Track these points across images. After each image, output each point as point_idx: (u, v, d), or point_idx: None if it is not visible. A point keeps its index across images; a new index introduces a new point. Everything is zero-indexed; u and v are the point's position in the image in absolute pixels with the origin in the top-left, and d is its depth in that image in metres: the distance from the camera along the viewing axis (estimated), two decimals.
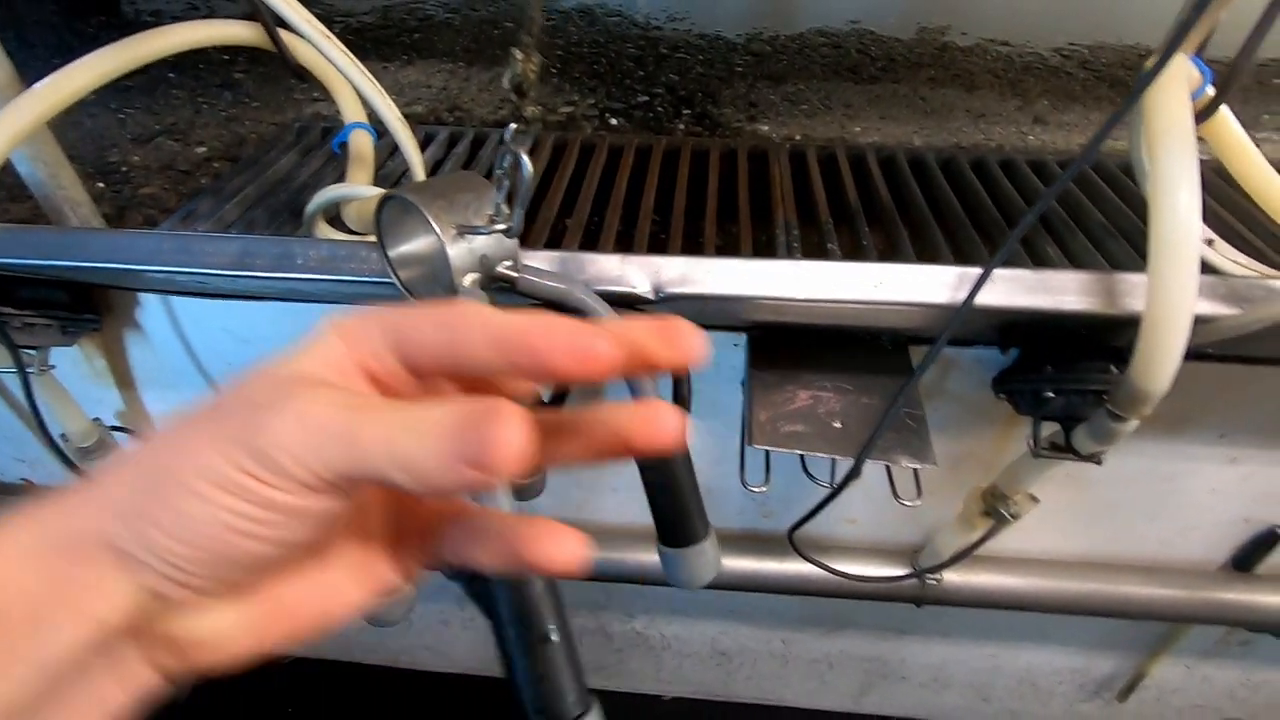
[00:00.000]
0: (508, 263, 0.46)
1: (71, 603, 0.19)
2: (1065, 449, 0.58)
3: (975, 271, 0.48)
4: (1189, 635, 0.91)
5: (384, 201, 0.44)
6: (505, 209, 0.41)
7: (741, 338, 0.66)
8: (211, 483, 0.19)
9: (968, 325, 0.56)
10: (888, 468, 0.65)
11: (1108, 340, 0.55)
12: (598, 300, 0.47)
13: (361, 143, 0.72)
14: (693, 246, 0.76)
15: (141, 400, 0.81)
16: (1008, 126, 1.03)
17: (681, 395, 0.55)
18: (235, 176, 0.86)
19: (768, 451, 0.59)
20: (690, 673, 1.15)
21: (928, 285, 0.50)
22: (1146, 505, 0.76)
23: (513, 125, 0.38)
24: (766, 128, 1.02)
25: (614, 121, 1.04)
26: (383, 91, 0.66)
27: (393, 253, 0.47)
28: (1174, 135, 0.43)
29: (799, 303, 0.50)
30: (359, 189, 0.52)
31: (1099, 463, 0.57)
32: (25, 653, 0.19)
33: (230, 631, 0.22)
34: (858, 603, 0.87)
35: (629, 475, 0.82)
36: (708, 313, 0.57)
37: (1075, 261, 0.71)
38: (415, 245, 0.47)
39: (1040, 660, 1.00)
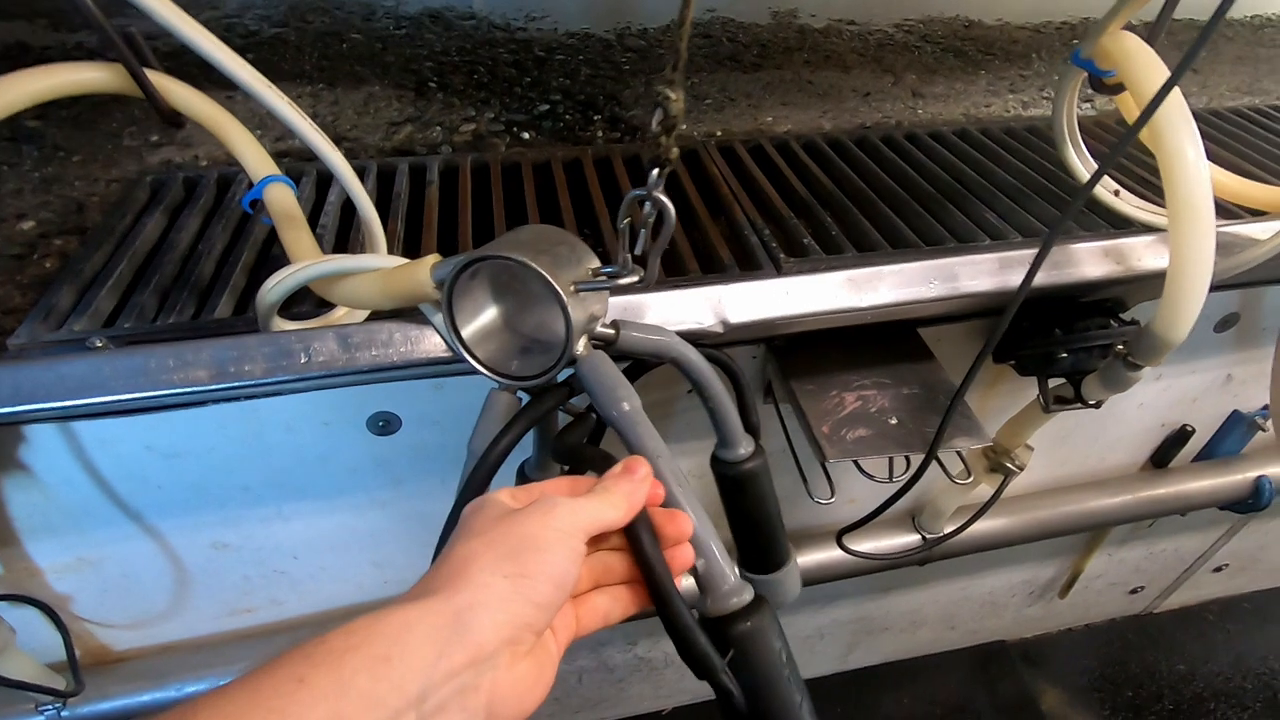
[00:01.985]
0: (604, 319, 0.41)
1: (463, 636, 0.28)
2: (1072, 400, 0.63)
3: (1016, 254, 0.50)
4: (1114, 531, 1.05)
5: (467, 266, 0.37)
6: (630, 260, 0.37)
7: (758, 349, 0.65)
8: (553, 540, 0.31)
9: (977, 304, 0.59)
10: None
11: (1097, 296, 0.60)
12: (694, 351, 0.43)
13: (283, 199, 0.61)
14: (669, 260, 0.73)
15: (29, 556, 0.64)
16: (894, 103, 1.10)
17: (751, 424, 0.53)
18: (92, 254, 0.69)
19: (827, 463, 0.59)
20: (691, 682, 1.14)
21: (974, 275, 0.51)
22: (1090, 429, 0.86)
23: (655, 170, 0.33)
24: (684, 126, 1.01)
25: (525, 135, 0.98)
26: (319, 129, 0.56)
27: (466, 330, 0.40)
28: (1174, 108, 0.48)
29: (864, 311, 0.50)
30: (363, 260, 0.43)
31: (1099, 407, 0.64)
32: (408, 698, 0.26)
33: (526, 678, 0.30)
34: (859, 576, 0.90)
35: None
36: (751, 331, 0.55)
37: (1009, 222, 0.77)
38: (492, 315, 0.40)
39: (999, 582, 1.11)
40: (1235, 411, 0.89)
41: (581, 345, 0.38)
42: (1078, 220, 0.71)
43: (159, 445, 0.58)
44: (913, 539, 0.82)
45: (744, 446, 0.48)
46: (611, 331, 0.40)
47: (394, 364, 0.44)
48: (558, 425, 0.47)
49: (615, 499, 0.33)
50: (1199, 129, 0.47)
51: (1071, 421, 0.84)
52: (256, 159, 0.63)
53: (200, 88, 0.58)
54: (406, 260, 0.43)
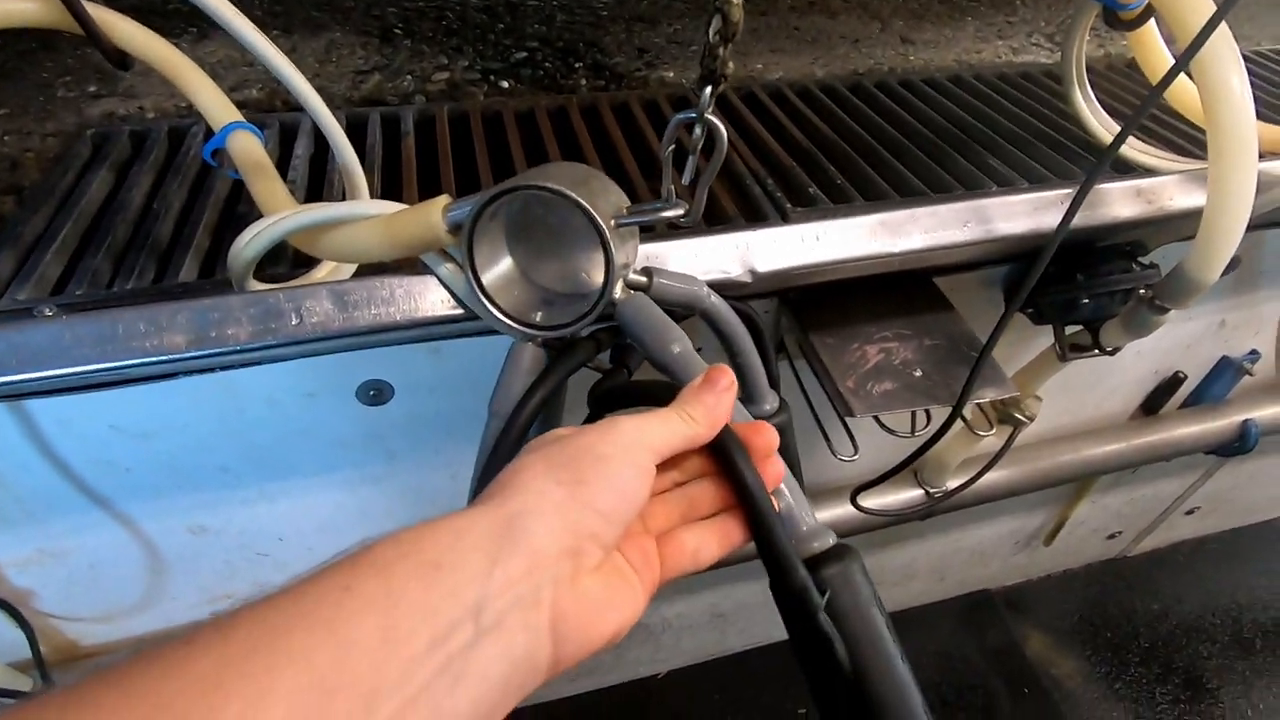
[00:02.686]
0: (635, 265, 0.37)
1: (517, 541, 0.25)
2: (1089, 347, 0.62)
3: (1052, 194, 0.48)
4: (1101, 477, 1.06)
5: (492, 200, 0.33)
6: (673, 192, 0.33)
7: (771, 303, 0.62)
8: (613, 449, 0.28)
9: (1006, 249, 0.57)
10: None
11: (1122, 240, 0.59)
12: (724, 302, 0.40)
13: (250, 147, 0.55)
14: (719, 228, 0.69)
15: None
16: (885, 50, 1.06)
17: (773, 377, 0.49)
18: (31, 215, 0.62)
19: (847, 419, 0.56)
20: (687, 644, 1.14)
21: (1007, 214, 0.49)
22: (1090, 377, 0.85)
23: (708, 88, 0.29)
24: (671, 74, 0.96)
25: (505, 84, 0.91)
26: (295, 69, 0.50)
27: (488, 276, 0.36)
28: (1220, 38, 0.45)
29: (899, 255, 0.47)
30: (352, 207, 0.38)
31: (1114, 354, 0.63)
32: (466, 607, 0.24)
33: (595, 599, 0.27)
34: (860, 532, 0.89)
35: None
36: (774, 283, 0.52)
37: (1014, 169, 0.75)
38: (512, 260, 0.36)
39: (990, 533, 1.13)
40: (1224, 357, 0.90)
41: (619, 289, 0.34)
42: (1080, 167, 0.69)
43: (126, 424, 0.53)
44: (915, 494, 0.81)
45: (770, 401, 0.45)
46: (644, 279, 0.36)
47: (397, 324, 0.40)
48: (564, 399, 0.43)
49: (695, 411, 0.30)
50: None
51: (1070, 371, 0.84)
52: (217, 104, 0.57)
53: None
54: (405, 206, 0.38)
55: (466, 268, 0.34)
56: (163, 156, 0.73)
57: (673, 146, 0.32)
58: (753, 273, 0.45)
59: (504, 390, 0.36)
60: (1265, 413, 0.91)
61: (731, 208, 0.70)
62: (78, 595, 0.65)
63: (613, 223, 0.32)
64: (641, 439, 0.29)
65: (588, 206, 0.31)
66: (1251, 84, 0.45)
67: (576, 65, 0.97)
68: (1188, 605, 1.30)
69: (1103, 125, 0.75)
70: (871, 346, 0.56)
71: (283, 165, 0.71)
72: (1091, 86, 0.75)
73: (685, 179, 0.33)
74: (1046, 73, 0.97)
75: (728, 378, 0.32)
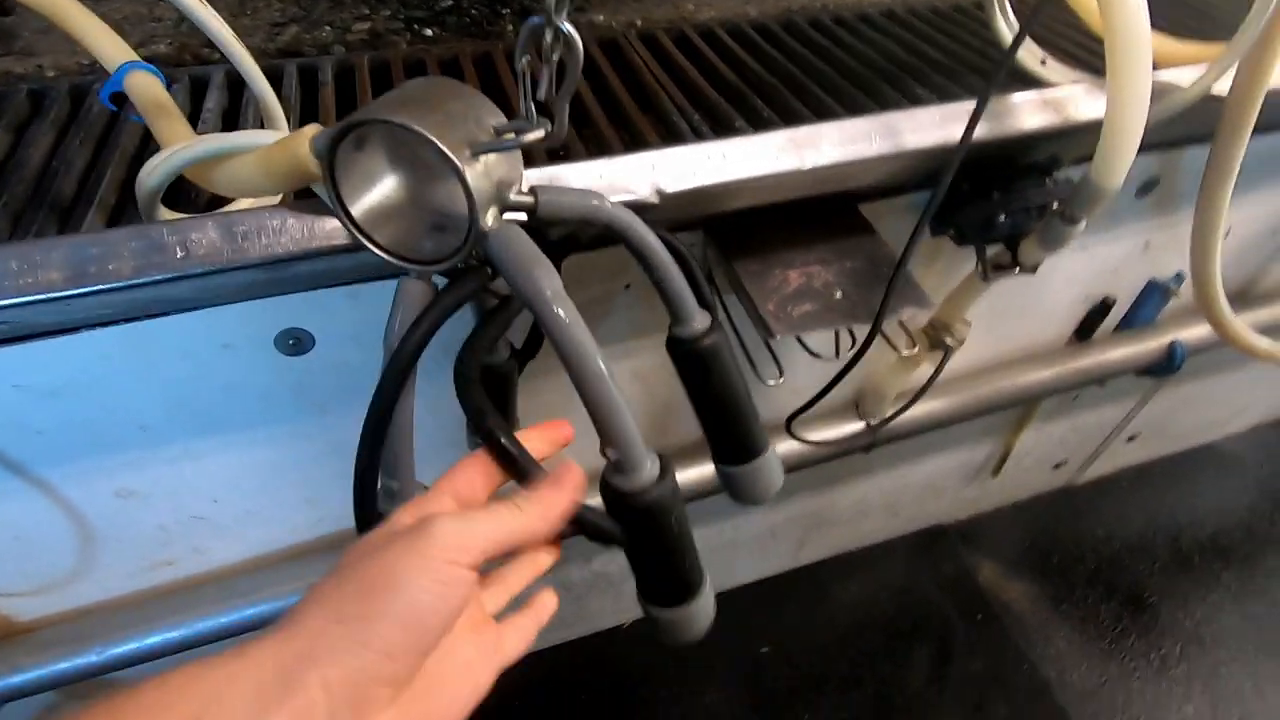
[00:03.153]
0: (516, 186, 0.36)
1: (287, 693, 0.24)
2: (1009, 265, 0.63)
3: (957, 107, 0.48)
4: (1041, 406, 1.09)
5: (343, 133, 0.32)
6: (534, 111, 0.32)
7: (696, 235, 0.62)
8: (412, 573, 0.27)
9: (922, 171, 0.58)
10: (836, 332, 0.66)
11: (1034, 156, 0.59)
12: (629, 213, 0.39)
13: (149, 86, 0.53)
14: (597, 152, 0.68)
15: None
16: None
17: (704, 300, 0.49)
18: None
19: (770, 342, 0.57)
20: None
21: (915, 129, 0.49)
22: (1022, 305, 0.87)
23: None
24: (601, 17, 0.94)
25: (429, 32, 0.89)
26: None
27: (358, 209, 0.35)
28: None
29: (808, 172, 0.47)
30: (253, 135, 0.37)
31: (1035, 271, 0.64)
32: None
33: None
34: (803, 469, 0.91)
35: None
36: (689, 207, 0.52)
37: (943, 97, 0.76)
38: (390, 188, 0.35)
39: (937, 466, 1.15)
40: (1151, 280, 0.93)
41: (490, 217, 0.33)
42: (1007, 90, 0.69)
43: (31, 383, 0.51)
44: (858, 426, 0.82)
45: (700, 320, 0.45)
46: (529, 199, 0.36)
47: (291, 254, 0.39)
48: (514, 310, 0.41)
49: (530, 507, 0.30)
50: None
51: (1003, 300, 0.85)
52: (111, 46, 0.54)
53: None
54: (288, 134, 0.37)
55: (331, 199, 0.33)
56: (64, 114, 0.70)
57: (527, 57, 0.31)
58: (660, 193, 0.45)
59: (393, 325, 0.35)
60: (1190, 333, 0.94)
61: (659, 141, 0.69)
62: (6, 569, 0.63)
63: (467, 151, 0.31)
64: (459, 543, 0.28)
65: (432, 138, 0.30)
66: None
67: (504, 10, 0.95)
68: (1130, 529, 1.36)
69: (1028, 51, 0.75)
70: (794, 271, 0.56)
71: (194, 120, 0.69)
72: (1017, 17, 0.76)
73: (542, 93, 0.32)
74: (977, 4, 0.97)
75: (576, 479, 0.32)
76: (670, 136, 0.71)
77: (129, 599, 0.70)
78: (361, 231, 0.35)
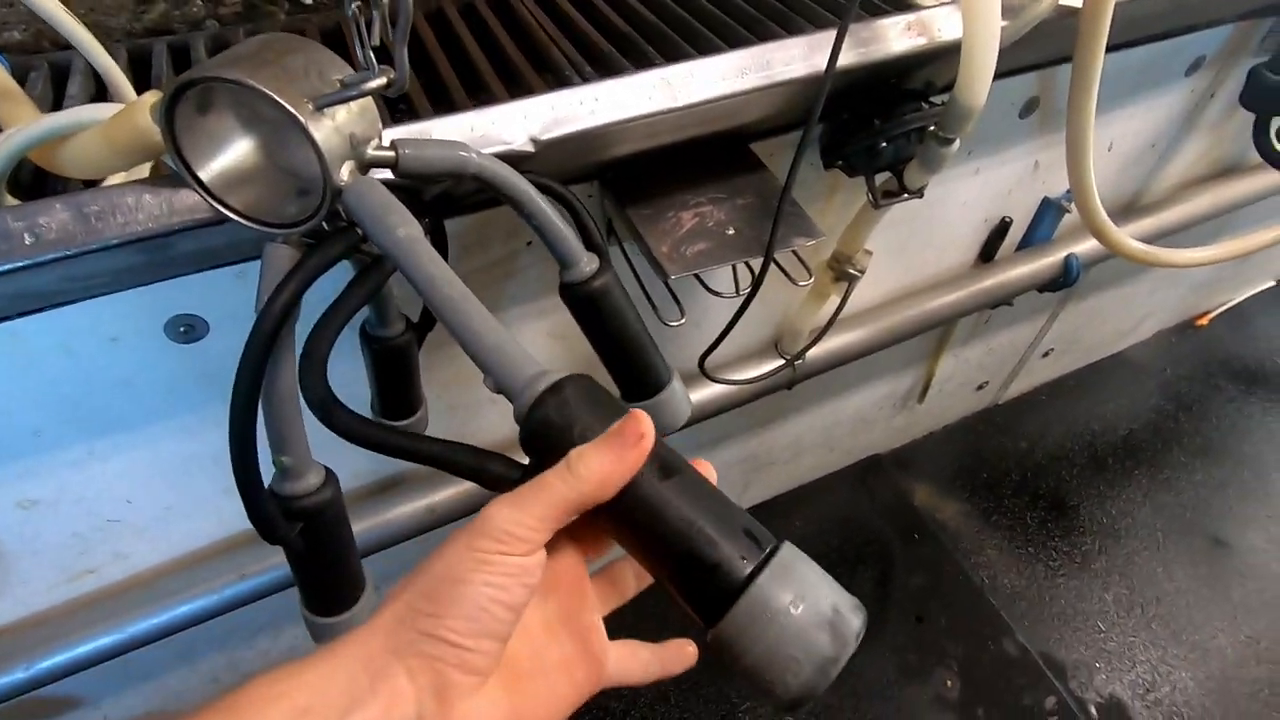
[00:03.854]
0: (374, 141, 0.36)
1: (378, 684, 0.27)
2: (898, 191, 0.65)
3: (823, 36, 0.49)
4: (956, 331, 1.14)
5: (177, 96, 0.31)
6: (373, 59, 0.32)
7: (592, 186, 0.62)
8: (469, 568, 0.28)
9: (803, 104, 0.59)
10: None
11: (911, 82, 0.61)
12: (499, 162, 0.39)
13: None
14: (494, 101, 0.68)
15: None
16: None
17: (595, 245, 0.49)
18: None
19: (669, 282, 0.58)
20: None
21: (786, 61, 0.50)
22: (925, 233, 0.90)
23: None
24: None
25: (308, 1, 0.85)
26: None
27: (207, 174, 0.34)
28: None
29: (680, 111, 0.48)
30: (90, 109, 0.35)
31: (922, 195, 0.66)
32: None
33: (507, 709, 0.29)
34: (733, 411, 0.93)
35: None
36: (573, 155, 0.52)
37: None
38: (244, 149, 0.34)
39: (864, 398, 1.20)
40: (1045, 198, 0.97)
41: (346, 173, 0.33)
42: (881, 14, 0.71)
43: None
44: (778, 363, 0.85)
45: (587, 263, 0.45)
46: (390, 153, 0.35)
47: (152, 232, 0.38)
48: (384, 273, 0.40)
49: (581, 470, 0.28)
50: None
51: (907, 230, 0.88)
52: None
53: None
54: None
55: (177, 164, 0.32)
56: None
57: (357, 3, 0.31)
58: (536, 141, 0.45)
59: (261, 293, 0.35)
60: (1085, 246, 0.99)
61: None
62: None
63: (309, 104, 0.31)
64: (511, 531, 0.28)
65: (270, 92, 0.29)
66: None
67: None
68: (1050, 438, 1.44)
69: None
70: (687, 213, 0.57)
71: (57, 107, 0.65)
72: None
73: (374, 40, 0.32)
74: None
75: (636, 427, 0.29)
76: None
77: (54, 612, 0.68)
78: (214, 197, 0.34)
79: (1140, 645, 1.18)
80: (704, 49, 0.73)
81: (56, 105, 0.66)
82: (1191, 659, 1.16)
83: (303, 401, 0.37)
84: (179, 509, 0.67)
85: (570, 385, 0.30)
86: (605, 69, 0.73)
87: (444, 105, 0.70)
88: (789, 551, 0.30)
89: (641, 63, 0.72)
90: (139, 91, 0.68)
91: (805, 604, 0.29)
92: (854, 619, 0.29)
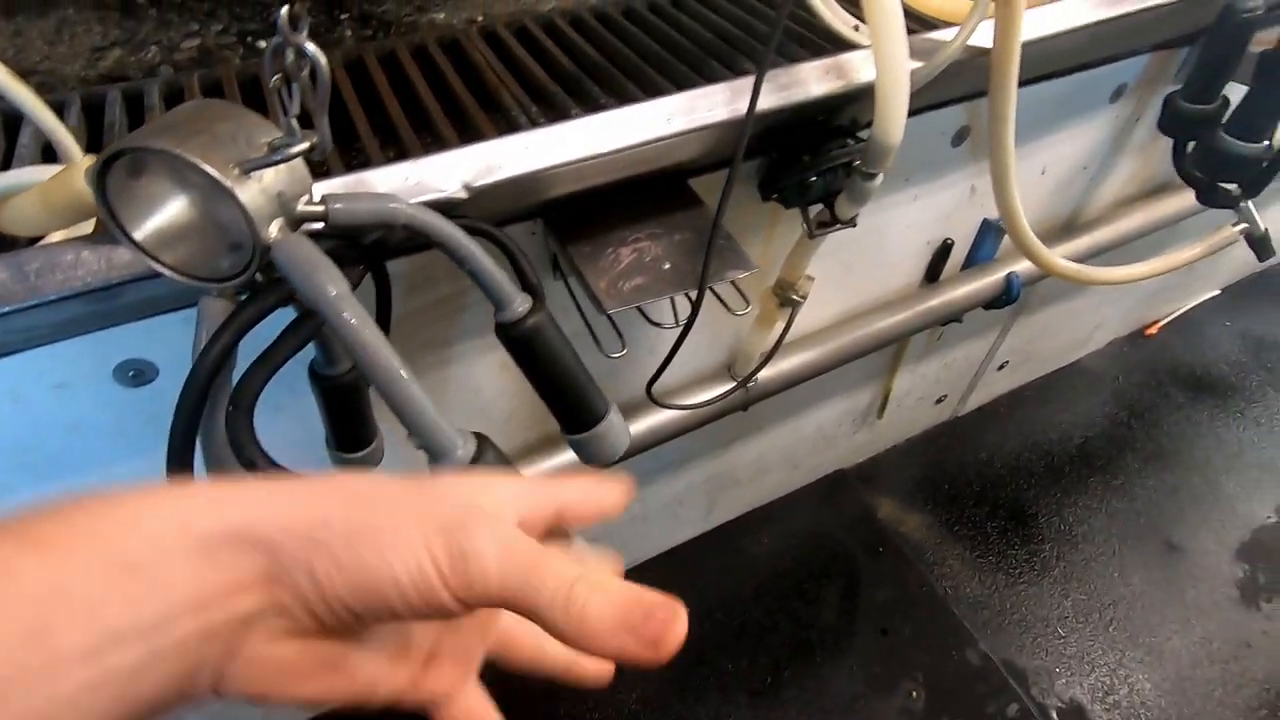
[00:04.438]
0: (305, 198, 0.38)
1: (206, 603, 0.21)
2: (831, 222, 0.68)
3: (745, 82, 0.52)
4: (910, 347, 1.18)
5: (108, 163, 0.33)
6: (295, 126, 0.34)
7: (535, 224, 0.64)
8: (403, 559, 0.21)
9: (731, 144, 0.62)
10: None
11: (838, 120, 0.65)
12: (427, 211, 0.42)
13: None
14: (433, 150, 0.70)
15: None
16: None
17: (530, 286, 0.52)
18: None
19: (612, 316, 0.60)
20: None
21: (710, 107, 0.53)
22: (870, 256, 0.94)
23: (284, 9, 0.30)
24: (442, 15, 0.94)
25: (262, 44, 0.87)
26: None
27: (141, 233, 0.36)
28: None
29: (606, 156, 0.50)
30: (31, 171, 0.37)
31: (854, 224, 0.69)
32: (142, 625, 0.20)
33: (295, 668, 0.23)
34: (693, 433, 0.96)
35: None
36: (509, 199, 0.54)
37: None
38: (177, 209, 0.36)
39: (824, 415, 1.23)
40: (985, 220, 1.01)
41: (275, 230, 0.35)
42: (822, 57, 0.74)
43: None
44: (730, 386, 0.87)
45: (520, 303, 0.48)
46: (320, 208, 0.37)
47: (91, 287, 0.39)
48: (314, 325, 0.42)
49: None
50: None
51: (851, 254, 0.92)
52: None
53: None
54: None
55: (111, 227, 0.34)
56: None
57: (278, 75, 0.33)
58: (468, 187, 0.47)
59: (197, 345, 0.36)
60: (1024, 265, 1.03)
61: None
62: None
63: (236, 169, 0.33)
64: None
65: (195, 160, 0.31)
66: None
67: (342, 16, 0.94)
68: (1009, 449, 1.48)
69: (836, 17, 0.81)
70: (625, 248, 0.60)
71: (8, 160, 0.66)
72: None
73: (295, 110, 0.34)
74: None
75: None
76: (509, 131, 0.73)
77: None
78: (149, 254, 0.36)
79: (1099, 649, 1.20)
80: (648, 88, 0.77)
81: (8, 155, 0.67)
82: (1148, 661, 1.19)
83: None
84: None
85: (490, 450, 0.33)
86: (551, 109, 0.75)
87: (393, 146, 0.72)
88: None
89: (587, 103, 0.75)
90: (90, 141, 0.70)
91: None
92: None
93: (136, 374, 0.55)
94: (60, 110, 0.72)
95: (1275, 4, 0.76)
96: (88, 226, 0.48)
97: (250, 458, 0.36)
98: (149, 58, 0.84)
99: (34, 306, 0.39)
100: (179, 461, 0.35)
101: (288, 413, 0.64)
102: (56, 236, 0.51)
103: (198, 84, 0.78)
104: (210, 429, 0.37)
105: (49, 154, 0.69)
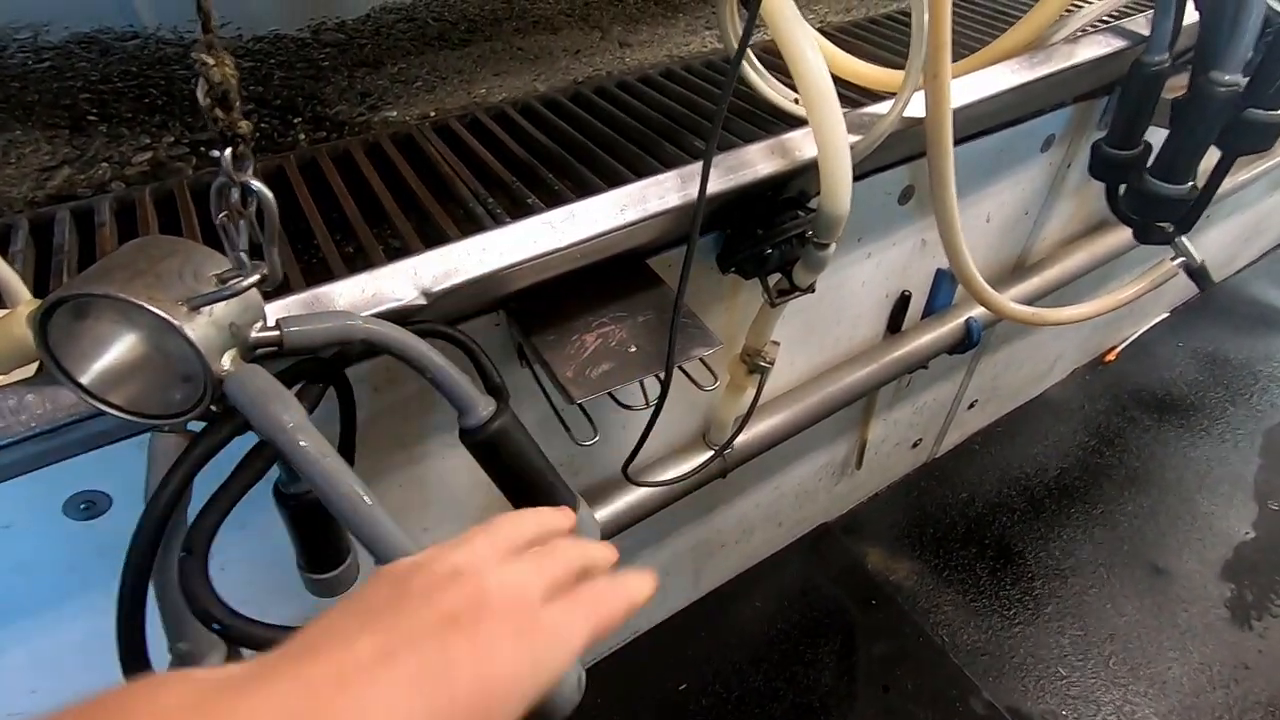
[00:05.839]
0: (259, 324, 0.37)
1: None
2: (790, 290, 0.70)
3: (694, 168, 0.54)
4: (879, 397, 1.19)
5: (49, 311, 0.32)
6: (244, 259, 0.34)
7: (498, 315, 0.64)
8: None
9: (684, 226, 0.63)
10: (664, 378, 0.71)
11: (786, 193, 0.67)
12: (385, 324, 0.41)
13: None
14: (395, 251, 0.70)
15: None
16: (603, 56, 1.13)
17: (494, 385, 0.52)
18: None
19: (582, 404, 0.60)
20: None
21: (661, 194, 0.54)
22: (831, 315, 0.96)
23: (228, 150, 0.30)
24: (394, 113, 0.96)
25: (215, 154, 0.88)
26: None
27: (88, 377, 0.35)
28: (789, 20, 0.53)
29: (564, 250, 0.51)
30: None
31: (813, 290, 0.71)
32: None
33: None
34: (675, 504, 0.95)
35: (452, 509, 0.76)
36: (469, 298, 0.54)
37: (722, 146, 0.83)
38: (125, 349, 0.35)
39: (803, 471, 1.22)
40: (938, 270, 1.04)
41: (228, 361, 0.34)
42: (772, 132, 0.77)
43: None
44: (707, 455, 0.87)
45: (483, 408, 0.47)
46: (275, 333, 0.37)
47: (35, 431, 0.38)
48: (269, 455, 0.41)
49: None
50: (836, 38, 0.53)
51: (812, 314, 0.93)
52: None
53: None
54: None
55: (56, 373, 0.33)
56: None
57: (224, 213, 0.33)
58: (427, 293, 0.47)
59: (150, 484, 0.35)
60: (981, 309, 1.06)
61: (456, 235, 0.72)
62: None
63: (184, 307, 0.32)
64: None
65: (141, 302, 0.31)
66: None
67: (295, 121, 0.95)
68: (988, 487, 1.49)
69: (778, 93, 0.84)
70: (590, 334, 0.60)
71: None
72: (765, 64, 0.85)
73: (243, 244, 0.34)
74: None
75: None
76: (469, 222, 0.74)
77: None
78: (96, 397, 0.35)
79: (1101, 686, 1.19)
80: (600, 170, 0.78)
81: None
82: (1151, 694, 1.18)
83: None
84: (94, 690, 0.63)
85: None
86: (507, 197, 0.76)
87: (349, 243, 0.72)
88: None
89: (542, 189, 0.77)
90: (38, 264, 0.69)
91: None
92: None
93: (88, 505, 0.52)
94: (7, 233, 0.71)
95: (1181, 54, 0.82)
96: (30, 370, 0.47)
97: (205, 609, 0.34)
98: (99, 174, 0.84)
99: None
100: (131, 606, 0.33)
101: (252, 529, 0.61)
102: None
103: (150, 197, 0.78)
104: (164, 569, 0.35)
105: None
